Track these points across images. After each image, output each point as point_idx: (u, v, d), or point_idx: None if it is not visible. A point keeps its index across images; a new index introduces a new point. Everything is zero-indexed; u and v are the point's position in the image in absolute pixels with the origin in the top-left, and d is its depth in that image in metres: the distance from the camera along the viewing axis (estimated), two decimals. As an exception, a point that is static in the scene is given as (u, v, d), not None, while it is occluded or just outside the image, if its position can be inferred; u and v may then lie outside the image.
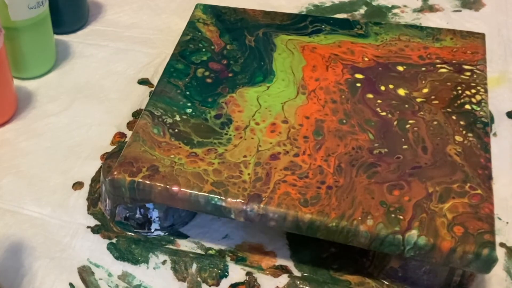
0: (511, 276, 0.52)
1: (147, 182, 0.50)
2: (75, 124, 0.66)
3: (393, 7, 0.81)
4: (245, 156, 0.52)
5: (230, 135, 0.54)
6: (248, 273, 0.53)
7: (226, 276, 0.53)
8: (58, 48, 0.75)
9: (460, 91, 0.57)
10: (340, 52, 0.62)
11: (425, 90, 0.57)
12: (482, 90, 0.57)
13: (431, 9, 0.81)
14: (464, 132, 0.53)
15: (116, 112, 0.68)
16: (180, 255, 0.54)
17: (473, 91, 0.57)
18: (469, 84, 0.58)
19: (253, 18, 0.67)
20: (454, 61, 0.60)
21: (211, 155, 0.52)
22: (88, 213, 0.58)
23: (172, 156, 0.52)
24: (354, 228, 0.47)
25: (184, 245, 0.55)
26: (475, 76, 0.58)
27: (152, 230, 0.56)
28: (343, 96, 0.57)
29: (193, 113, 0.56)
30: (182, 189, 0.49)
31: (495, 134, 0.64)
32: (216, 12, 0.68)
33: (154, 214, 0.55)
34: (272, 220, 0.48)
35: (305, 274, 0.53)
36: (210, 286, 0.52)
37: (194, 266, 0.53)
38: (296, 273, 0.53)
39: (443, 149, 0.52)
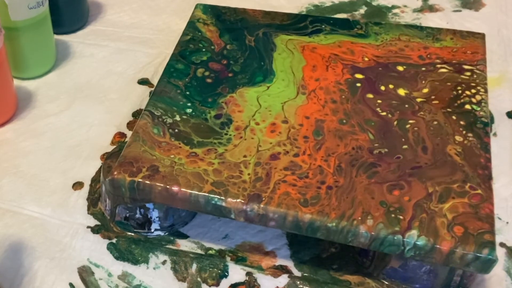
0: (511, 276, 0.52)
1: (147, 182, 0.50)
2: (75, 124, 0.67)
3: (393, 7, 0.81)
4: (245, 156, 0.52)
5: (230, 135, 0.54)
6: (248, 273, 0.53)
7: (226, 276, 0.53)
8: (58, 48, 0.75)
9: (460, 91, 0.57)
10: (340, 52, 0.62)
11: (425, 90, 0.57)
12: (482, 90, 0.57)
13: (431, 9, 0.81)
14: (464, 132, 0.53)
15: (116, 112, 0.68)
16: (180, 255, 0.54)
17: (473, 91, 0.57)
18: (469, 84, 0.58)
19: (253, 18, 0.67)
20: (454, 61, 0.60)
21: (211, 155, 0.52)
22: (88, 213, 0.58)
23: (172, 156, 0.52)
24: (354, 228, 0.47)
25: (184, 245, 0.55)
26: (475, 76, 0.58)
27: (152, 230, 0.56)
28: (343, 96, 0.57)
29: (193, 113, 0.56)
30: (182, 189, 0.49)
31: (495, 134, 0.64)
32: (216, 12, 0.68)
33: (154, 214, 0.55)
34: (272, 220, 0.48)
35: (305, 274, 0.53)
36: (210, 286, 0.52)
37: (194, 266, 0.53)
38: (296, 273, 0.53)
39: (443, 149, 0.52)
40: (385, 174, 0.50)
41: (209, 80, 0.60)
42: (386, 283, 0.51)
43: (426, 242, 0.46)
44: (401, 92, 0.57)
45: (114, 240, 0.56)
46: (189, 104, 0.57)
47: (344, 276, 0.52)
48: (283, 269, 0.53)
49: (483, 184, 0.49)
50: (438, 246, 0.45)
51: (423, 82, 0.58)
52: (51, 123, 0.67)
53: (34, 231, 0.56)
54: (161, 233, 0.56)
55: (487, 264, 0.45)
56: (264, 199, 0.48)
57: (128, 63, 0.74)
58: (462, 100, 0.56)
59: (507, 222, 0.56)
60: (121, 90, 0.70)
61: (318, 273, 0.53)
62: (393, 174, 0.50)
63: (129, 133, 0.65)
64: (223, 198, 0.49)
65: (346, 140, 0.53)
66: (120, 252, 0.55)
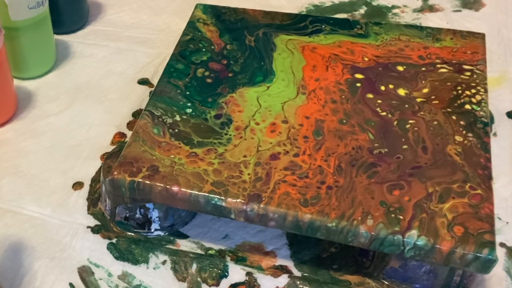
0: (511, 276, 0.52)
1: (147, 182, 0.50)
2: (75, 124, 0.67)
3: (393, 7, 0.81)
4: (245, 156, 0.52)
5: (230, 135, 0.54)
6: (248, 273, 0.53)
7: (226, 276, 0.53)
8: (58, 48, 0.75)
9: (460, 91, 0.57)
10: (340, 52, 0.62)
11: (425, 90, 0.57)
12: (482, 90, 0.57)
13: (431, 9, 0.81)
14: (464, 132, 0.53)
15: (116, 112, 0.68)
16: (180, 255, 0.54)
17: (473, 91, 0.57)
18: (469, 84, 0.58)
19: (253, 18, 0.67)
20: (454, 61, 0.60)
21: (211, 155, 0.52)
22: (88, 213, 0.58)
23: (172, 156, 0.52)
24: (354, 228, 0.47)
25: (184, 245, 0.55)
26: (475, 76, 0.58)
27: (152, 230, 0.56)
28: (343, 96, 0.57)
29: (193, 113, 0.56)
30: (182, 189, 0.49)
31: (495, 134, 0.64)
32: (216, 12, 0.68)
33: (154, 214, 0.55)
34: (272, 220, 0.48)
35: (305, 274, 0.53)
36: (210, 286, 0.52)
37: (194, 266, 0.53)
38: (296, 273, 0.53)
39: (443, 149, 0.52)
40: (385, 174, 0.50)
41: (209, 80, 0.60)
42: (386, 283, 0.51)
43: (426, 242, 0.46)
44: (401, 92, 0.57)
45: (114, 240, 0.56)
46: (189, 104, 0.57)
47: (344, 276, 0.52)
48: (283, 269, 0.53)
49: (483, 184, 0.49)
50: (438, 246, 0.45)
51: (423, 82, 0.58)
52: (51, 123, 0.67)
53: (34, 231, 0.56)
54: (161, 233, 0.56)
55: (487, 264, 0.45)
56: (264, 199, 0.48)
57: (128, 63, 0.74)
58: (462, 100, 0.56)
59: (507, 222, 0.56)
60: (121, 90, 0.70)
61: (318, 273, 0.53)
62: (393, 174, 0.50)
63: (129, 133, 0.65)
64: (223, 198, 0.49)
65: (346, 140, 0.53)
66: (120, 252, 0.55)
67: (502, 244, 0.54)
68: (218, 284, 0.52)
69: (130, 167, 0.51)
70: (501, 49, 0.74)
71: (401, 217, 0.47)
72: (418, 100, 0.57)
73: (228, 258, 0.54)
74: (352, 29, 0.65)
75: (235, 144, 0.53)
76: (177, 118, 0.56)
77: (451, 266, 0.46)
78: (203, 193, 0.49)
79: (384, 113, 0.55)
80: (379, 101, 0.57)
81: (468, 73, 0.59)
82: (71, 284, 0.53)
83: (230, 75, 0.60)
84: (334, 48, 0.63)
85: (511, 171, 0.60)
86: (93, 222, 0.57)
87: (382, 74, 0.59)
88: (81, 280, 0.53)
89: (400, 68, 0.60)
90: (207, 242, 0.55)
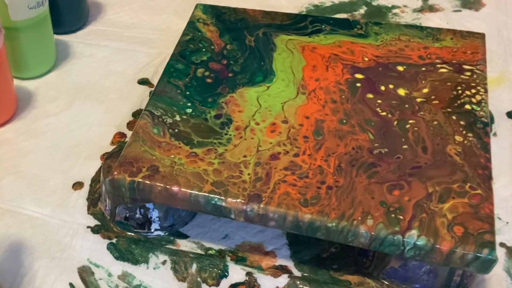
0: (511, 276, 0.52)
1: (147, 182, 0.50)
2: (75, 124, 0.67)
3: (393, 7, 0.81)
4: (245, 156, 0.52)
5: (230, 135, 0.54)
6: (248, 273, 0.53)
7: (226, 276, 0.53)
8: (58, 48, 0.75)
9: (460, 91, 0.57)
10: (340, 52, 0.62)
11: (425, 90, 0.57)
12: (482, 90, 0.57)
13: (431, 9, 0.81)
14: (464, 132, 0.53)
15: (116, 112, 0.68)
16: (180, 255, 0.54)
17: (473, 91, 0.57)
18: (469, 84, 0.58)
19: (253, 18, 0.67)
20: (454, 61, 0.60)
21: (211, 155, 0.52)
22: (88, 213, 0.58)
23: (172, 156, 0.52)
24: (354, 228, 0.47)
25: (184, 245, 0.55)
26: (475, 76, 0.59)
27: (152, 230, 0.56)
28: (343, 96, 0.57)
29: (193, 113, 0.56)
30: (182, 189, 0.49)
31: (495, 134, 0.64)
32: (216, 12, 0.68)
33: (154, 214, 0.55)
34: (272, 220, 0.48)
35: (305, 274, 0.53)
36: (210, 286, 0.52)
37: (194, 266, 0.53)
38: (296, 273, 0.53)
39: (443, 149, 0.52)
40: (385, 174, 0.50)
41: (209, 80, 0.60)
42: (386, 283, 0.51)
43: (426, 242, 0.46)
44: (401, 92, 0.58)
45: (114, 240, 0.56)
46: (189, 104, 0.57)
47: (344, 276, 0.52)
48: (283, 269, 0.53)
49: (483, 184, 0.49)
50: (438, 246, 0.45)
51: (423, 82, 0.58)
52: (51, 123, 0.67)
53: (34, 231, 0.56)
54: (161, 233, 0.56)
55: (487, 264, 0.45)
56: (264, 199, 0.48)
57: (128, 63, 0.74)
58: (462, 100, 0.56)
59: (507, 222, 0.56)
60: (121, 90, 0.70)
61: (318, 273, 0.53)
62: (393, 174, 0.50)
63: (129, 133, 0.65)
64: (223, 198, 0.49)
65: (346, 140, 0.53)
66: (120, 252, 0.55)
67: (502, 244, 0.54)
68: (218, 284, 0.52)
69: (130, 167, 0.51)
70: (501, 49, 0.74)
71: (401, 217, 0.47)
72: (418, 100, 0.57)
73: (228, 258, 0.54)
74: (352, 29, 0.65)
75: (235, 144, 0.53)
76: (177, 118, 0.56)
77: (451, 266, 0.46)
78: (203, 193, 0.49)
79: (384, 113, 0.55)
80: (379, 101, 0.57)
81: (468, 73, 0.59)
82: (71, 284, 0.53)
83: (230, 75, 0.60)
84: (334, 48, 0.63)
85: (511, 171, 0.60)
86: (93, 222, 0.57)
87: (382, 74, 0.59)
88: (81, 280, 0.53)
89: (400, 68, 0.60)
90: (207, 242, 0.55)
